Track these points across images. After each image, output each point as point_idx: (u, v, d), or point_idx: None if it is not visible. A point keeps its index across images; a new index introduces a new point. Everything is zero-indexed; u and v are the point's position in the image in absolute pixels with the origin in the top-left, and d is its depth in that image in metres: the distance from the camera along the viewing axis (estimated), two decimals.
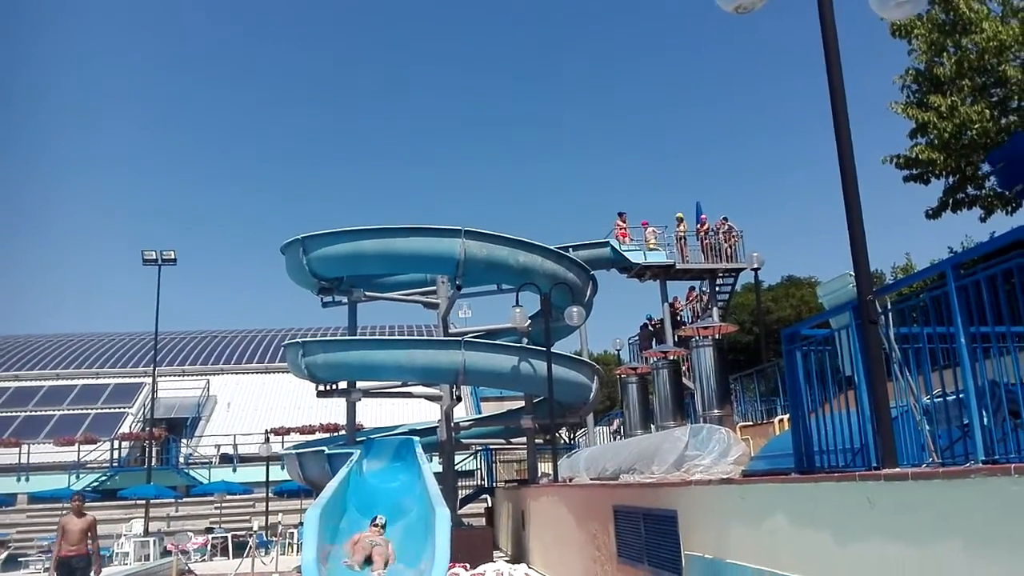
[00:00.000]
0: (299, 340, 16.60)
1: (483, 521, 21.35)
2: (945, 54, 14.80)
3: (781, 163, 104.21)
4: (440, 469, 17.06)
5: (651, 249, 23.06)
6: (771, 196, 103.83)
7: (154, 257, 27.65)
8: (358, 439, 17.70)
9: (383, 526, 10.69)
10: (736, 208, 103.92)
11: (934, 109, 14.65)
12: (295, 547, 20.57)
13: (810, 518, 4.99)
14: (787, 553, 5.24)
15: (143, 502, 25.45)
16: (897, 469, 4.47)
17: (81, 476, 29.22)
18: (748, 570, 5.76)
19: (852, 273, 5.10)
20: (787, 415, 12.03)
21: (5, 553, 21.83)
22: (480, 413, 30.90)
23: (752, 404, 17.53)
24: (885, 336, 5.00)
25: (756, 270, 19.13)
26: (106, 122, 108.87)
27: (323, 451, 16.47)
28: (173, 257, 27.85)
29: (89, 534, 10.89)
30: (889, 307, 5.10)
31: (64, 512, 12.06)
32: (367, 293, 17.98)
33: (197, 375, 39.91)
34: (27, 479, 28.82)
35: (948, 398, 4.83)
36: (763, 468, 7.46)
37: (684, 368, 20.25)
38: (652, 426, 18.04)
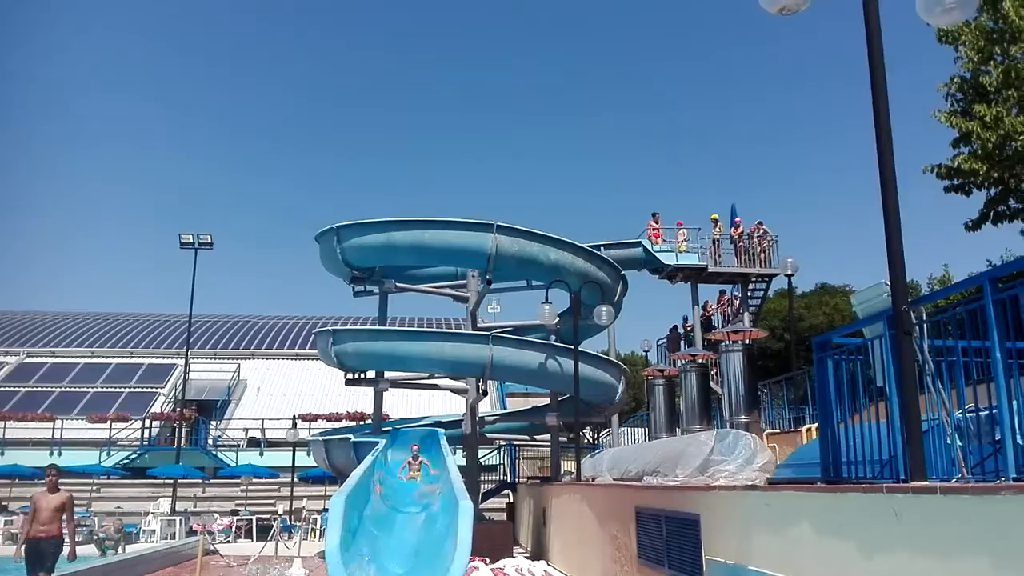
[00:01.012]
0: (330, 328, 16.76)
1: (504, 516, 21.40)
2: (992, 63, 14.51)
3: (820, 169, 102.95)
4: (464, 462, 17.13)
5: (683, 251, 22.93)
6: (808, 202, 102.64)
7: (191, 240, 28.05)
8: (384, 428, 17.84)
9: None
10: (772, 213, 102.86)
11: (979, 119, 14.37)
12: (318, 532, 20.79)
13: (835, 528, 4.94)
14: (810, 562, 5.19)
15: (171, 481, 25.86)
16: (926, 483, 4.42)
17: (112, 453, 29.79)
18: None
19: (887, 282, 5.04)
20: (815, 424, 11.91)
21: None
22: (505, 408, 30.97)
23: (780, 412, 17.35)
24: (919, 348, 4.93)
25: (790, 276, 18.93)
26: (150, 105, 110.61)
27: (349, 439, 16.62)
28: (209, 241, 28.24)
29: (64, 514, 9.68)
30: (924, 318, 5.04)
31: (41, 488, 10.41)
32: (398, 284, 18.09)
33: (228, 359, 40.44)
34: (59, 454, 29.42)
35: (980, 413, 4.75)
36: (789, 476, 7.40)
37: (712, 373, 20.11)
38: (678, 429, 17.93)
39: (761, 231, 22.91)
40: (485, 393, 18.08)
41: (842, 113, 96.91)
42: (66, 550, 9.73)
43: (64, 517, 9.63)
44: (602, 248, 19.67)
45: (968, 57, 14.88)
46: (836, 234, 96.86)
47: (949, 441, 4.90)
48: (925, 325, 5.02)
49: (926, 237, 73.48)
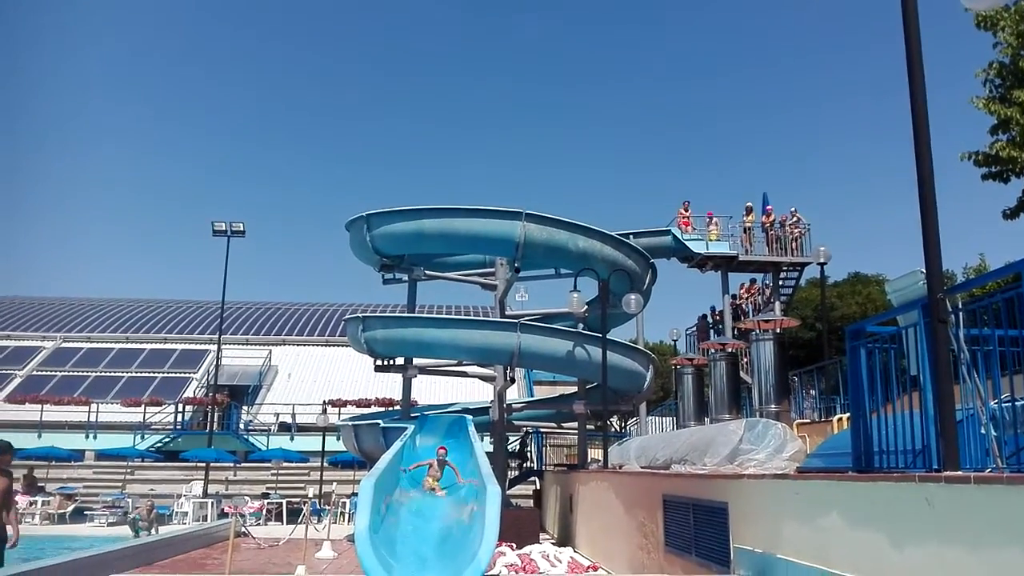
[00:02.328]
0: (360, 315, 16.88)
1: (531, 503, 21.48)
2: None
3: (855, 156, 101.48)
4: (491, 449, 17.20)
5: (714, 240, 22.76)
6: (842, 189, 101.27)
7: (224, 228, 28.36)
8: (412, 414, 17.96)
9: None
10: (805, 200, 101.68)
11: (1018, 104, 14.07)
12: (347, 516, 21.02)
13: (866, 518, 4.90)
14: (840, 551, 5.16)
15: (203, 465, 26.28)
16: (959, 472, 4.36)
17: (146, 437, 30.34)
18: (799, 566, 5.69)
19: (923, 270, 4.97)
20: (846, 414, 11.79)
21: (72, 506, 22.81)
22: (533, 396, 31.02)
23: (811, 402, 17.19)
24: (954, 336, 4.86)
25: (822, 265, 18.70)
26: (182, 92, 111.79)
27: (378, 424, 16.75)
28: (242, 229, 28.53)
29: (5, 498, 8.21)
30: (960, 307, 4.96)
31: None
32: (427, 272, 18.15)
33: (260, 345, 40.93)
34: (95, 436, 30.04)
35: (1017, 403, 4.68)
36: (819, 466, 7.34)
37: (743, 362, 19.98)
38: (706, 419, 17.86)
39: (795, 219, 22.67)
40: (513, 380, 18.13)
41: (878, 100, 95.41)
42: (9, 541, 8.30)
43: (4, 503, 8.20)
44: (631, 236, 19.58)
45: (1007, 42, 14.56)
46: (870, 222, 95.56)
47: (984, 431, 4.84)
48: (961, 313, 4.94)
49: (962, 226, 72.22)
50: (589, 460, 18.18)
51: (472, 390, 29.58)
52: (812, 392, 17.34)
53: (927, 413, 4.87)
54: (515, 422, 21.95)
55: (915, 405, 5.16)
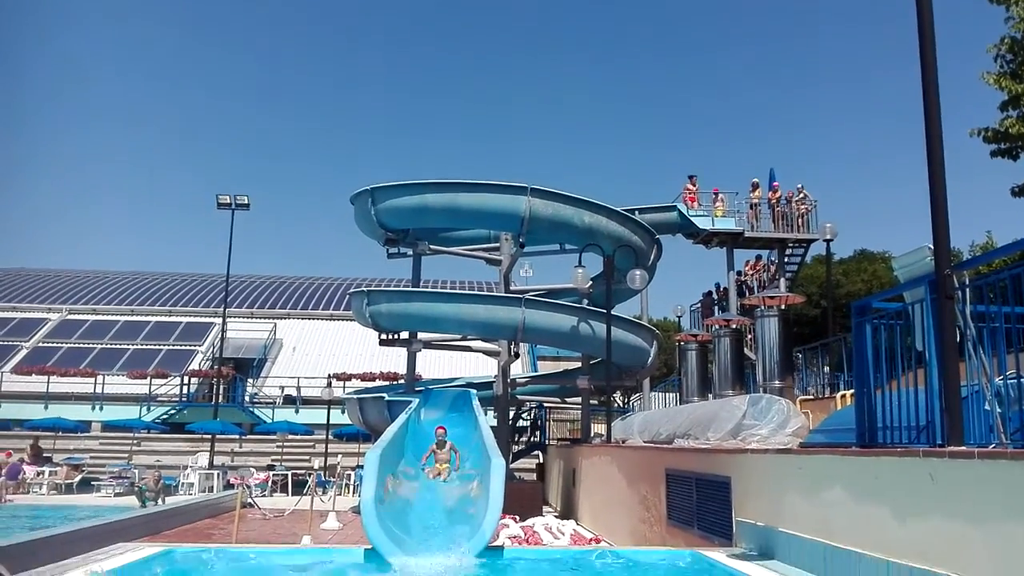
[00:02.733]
0: (364, 289, 16.91)
1: (534, 477, 21.62)
2: None
3: (863, 133, 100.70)
4: (495, 423, 17.29)
5: (720, 216, 22.68)
6: (849, 166, 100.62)
7: (228, 201, 28.31)
8: (417, 388, 18.04)
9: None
10: (811, 176, 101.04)
11: None
12: (352, 488, 21.18)
13: (869, 492, 4.93)
14: (842, 525, 5.19)
15: (209, 437, 26.45)
16: (963, 447, 4.37)
17: (152, 408, 30.52)
18: (801, 540, 5.73)
19: (931, 246, 4.94)
20: (849, 391, 11.81)
21: (79, 476, 22.99)
22: (536, 371, 31.11)
23: (815, 378, 17.21)
24: (961, 313, 4.85)
25: (828, 241, 18.62)
26: (187, 63, 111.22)
27: (383, 397, 16.85)
28: (246, 202, 28.47)
29: None
30: (967, 283, 4.94)
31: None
32: (431, 246, 18.15)
33: (265, 318, 41.00)
34: (101, 408, 30.22)
35: (1022, 380, 4.67)
36: (822, 441, 7.37)
37: (747, 339, 19.98)
38: (710, 395, 17.89)
39: (801, 195, 22.56)
40: (517, 355, 18.19)
41: (888, 75, 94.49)
42: None
43: None
44: (637, 212, 19.53)
45: (1020, 17, 14.38)
46: (877, 200, 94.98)
47: (988, 408, 4.84)
48: (967, 290, 4.92)
49: (970, 203, 71.77)
50: (592, 435, 18.27)
51: (476, 365, 29.69)
52: (816, 369, 17.35)
53: (932, 389, 4.87)
54: (519, 396, 22.05)
55: (920, 382, 5.16)
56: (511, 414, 23.06)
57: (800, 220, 22.37)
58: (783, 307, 15.36)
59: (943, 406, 4.65)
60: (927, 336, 4.91)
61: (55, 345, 36.42)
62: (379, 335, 17.08)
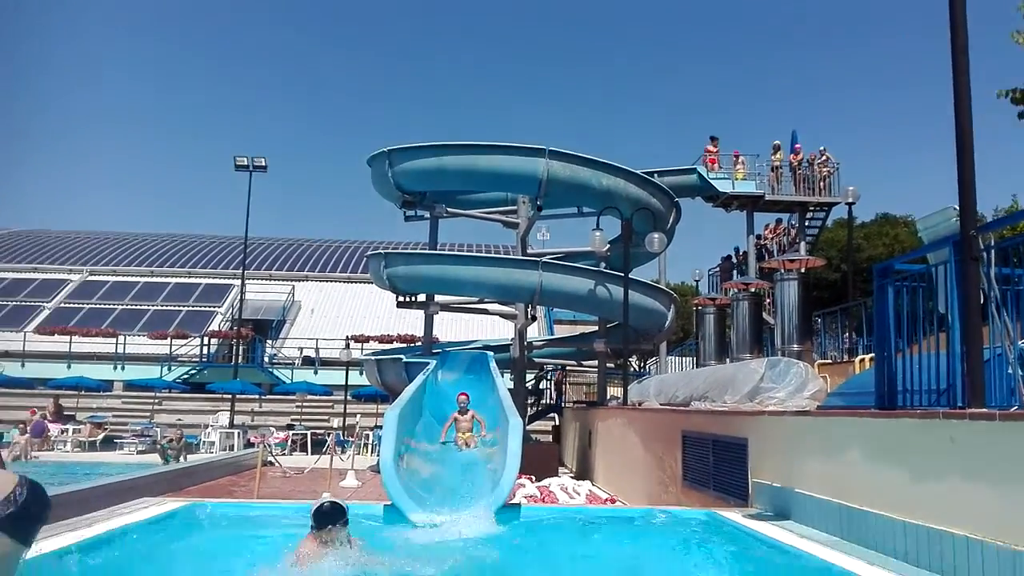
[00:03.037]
0: (382, 251, 16.93)
1: (550, 439, 21.77)
2: None
3: (888, 96, 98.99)
4: (511, 386, 17.37)
5: (740, 179, 22.45)
6: (871, 128, 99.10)
7: (245, 163, 28.32)
8: (434, 351, 18.13)
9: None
10: (834, 139, 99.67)
11: None
12: (370, 448, 21.43)
13: (887, 454, 4.92)
14: (860, 487, 5.19)
15: (229, 396, 26.79)
16: (984, 410, 4.34)
17: (172, 368, 30.92)
18: (817, 500, 5.74)
19: (956, 207, 4.87)
20: (868, 355, 11.76)
21: (102, 434, 23.40)
22: (553, 335, 31.16)
23: (834, 342, 17.14)
24: (985, 275, 4.79)
25: (850, 205, 18.38)
26: (205, 26, 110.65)
27: (401, 359, 16.95)
28: (264, 164, 28.47)
29: None
30: (992, 245, 4.87)
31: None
32: (449, 209, 18.10)
33: (283, 280, 41.23)
34: (123, 368, 30.64)
35: None
36: (839, 404, 7.35)
37: (766, 303, 19.90)
38: (727, 359, 17.89)
39: (823, 158, 22.24)
40: (534, 319, 18.18)
41: (912, 35, 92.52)
42: None
43: None
44: (656, 174, 19.36)
45: None
46: (901, 163, 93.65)
47: (1011, 371, 4.80)
48: (993, 251, 4.85)
49: (995, 167, 70.53)
50: (608, 398, 18.33)
51: (493, 328, 29.79)
52: (835, 333, 17.27)
53: (954, 351, 4.83)
54: (536, 359, 22.12)
55: (941, 347, 5.12)
56: (533, 377, 23.21)
57: (822, 183, 22.09)
58: (803, 270, 15.27)
59: (965, 368, 4.61)
60: (950, 298, 4.85)
61: (77, 306, 36.85)
62: (397, 297, 17.13)
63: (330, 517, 4.90)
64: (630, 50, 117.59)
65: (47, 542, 5.03)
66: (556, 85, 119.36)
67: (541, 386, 24.39)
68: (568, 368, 24.04)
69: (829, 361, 14.87)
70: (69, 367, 29.96)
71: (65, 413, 25.11)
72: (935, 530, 4.34)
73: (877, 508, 4.94)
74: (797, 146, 22.59)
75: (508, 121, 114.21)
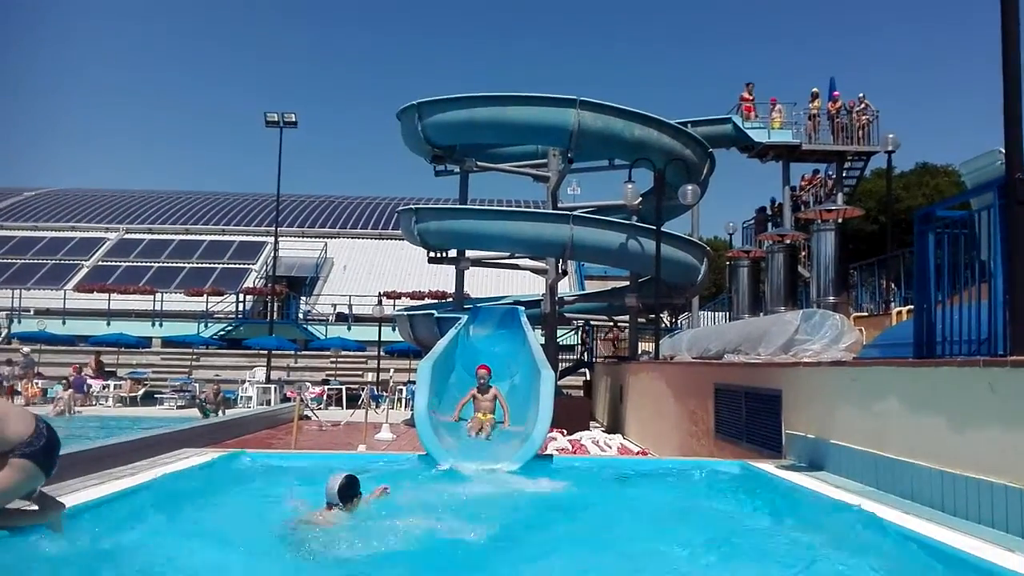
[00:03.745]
0: (413, 207, 16.92)
1: (581, 394, 21.86)
2: None
3: (932, 38, 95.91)
4: (543, 341, 17.40)
5: (776, 128, 22.00)
6: (916, 73, 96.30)
7: (276, 119, 28.36)
8: (465, 306, 18.19)
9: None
10: (876, 86, 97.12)
11: None
12: (404, 402, 21.70)
13: (925, 403, 4.85)
14: (897, 437, 5.14)
15: (265, 352, 27.21)
16: None
17: (209, 325, 31.43)
18: (852, 451, 5.70)
19: (1002, 150, 4.71)
20: (906, 307, 11.56)
21: (143, 390, 23.92)
22: (584, 290, 31.11)
23: (870, 295, 16.87)
24: None
25: (890, 153, 17.90)
26: None
27: (432, 314, 17.04)
28: (294, 120, 28.50)
29: None
30: None
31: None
32: (479, 163, 18.00)
33: (315, 237, 41.54)
34: (160, 324, 31.20)
35: None
36: (876, 356, 7.25)
37: (801, 255, 19.61)
38: (761, 313, 17.71)
39: (862, 105, 21.67)
40: (565, 273, 18.16)
41: None
42: None
43: None
44: (689, 125, 19.02)
45: None
46: (942, 109, 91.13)
47: None
48: None
49: None
50: (640, 352, 18.30)
51: (524, 283, 29.77)
52: (872, 286, 17.01)
53: (996, 298, 4.71)
54: (567, 315, 22.12)
55: (983, 297, 5.00)
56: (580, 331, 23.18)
57: (860, 131, 21.57)
58: (840, 221, 14.99)
59: (1007, 315, 4.50)
60: (993, 244, 4.72)
61: (114, 264, 37.49)
62: (428, 253, 17.17)
63: (351, 489, 4.99)
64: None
65: (91, 490, 5.18)
66: (587, 35, 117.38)
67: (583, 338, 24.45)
68: (599, 324, 24.01)
69: (865, 314, 14.66)
70: (108, 324, 30.57)
71: (106, 369, 25.68)
72: (973, 479, 4.29)
73: (914, 458, 4.89)
74: (835, 93, 22.04)
75: (539, 72, 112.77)
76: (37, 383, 23.47)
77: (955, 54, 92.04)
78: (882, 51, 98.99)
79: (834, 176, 22.21)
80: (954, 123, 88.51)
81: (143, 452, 8.16)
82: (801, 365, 6.96)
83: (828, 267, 14.25)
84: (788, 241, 16.69)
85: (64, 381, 22.19)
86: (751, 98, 22.17)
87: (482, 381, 9.28)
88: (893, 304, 14.38)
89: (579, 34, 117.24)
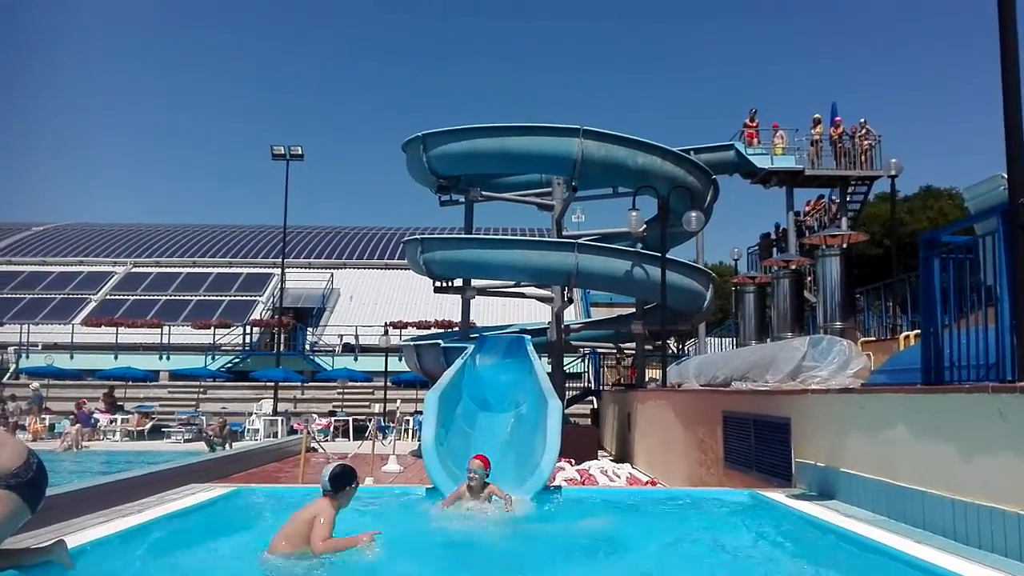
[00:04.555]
0: (418, 237, 16.98)
1: (589, 423, 21.75)
2: None
3: (933, 64, 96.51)
4: (549, 369, 17.36)
5: (779, 154, 22.08)
6: (914, 98, 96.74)
7: (282, 152, 28.57)
8: (471, 335, 18.18)
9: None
10: (875, 111, 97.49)
11: None
12: (411, 432, 21.60)
13: (934, 430, 4.81)
14: (906, 465, 5.10)
15: (272, 384, 27.17)
16: None
17: (216, 357, 31.43)
18: (862, 479, 5.65)
19: (1004, 175, 4.72)
20: (914, 332, 11.51)
21: (150, 424, 23.89)
22: (590, 317, 31.06)
23: (877, 319, 16.80)
24: None
25: (893, 177, 17.93)
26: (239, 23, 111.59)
27: (439, 344, 17.02)
28: (300, 153, 28.70)
29: None
30: None
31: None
32: (483, 192, 18.08)
33: (322, 268, 41.66)
34: (168, 358, 31.22)
35: None
36: (884, 382, 7.21)
37: (807, 281, 19.58)
38: (767, 338, 17.67)
39: (864, 130, 21.75)
40: (570, 301, 18.13)
41: (953, 5, 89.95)
42: None
43: None
44: (692, 152, 19.12)
45: None
46: (944, 133, 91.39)
47: None
48: None
49: None
50: (647, 380, 18.23)
51: (530, 312, 29.75)
52: (879, 310, 16.95)
53: (1003, 323, 4.70)
54: (573, 343, 22.06)
55: (989, 321, 4.98)
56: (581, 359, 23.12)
57: (863, 156, 21.62)
58: (845, 246, 14.98)
59: (1014, 341, 4.48)
60: (999, 268, 4.71)
61: (122, 297, 37.62)
62: (433, 283, 17.19)
63: (345, 479, 5.04)
64: (665, 24, 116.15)
65: (101, 527, 5.16)
66: (590, 65, 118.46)
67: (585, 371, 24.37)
68: (605, 351, 23.95)
69: (873, 339, 14.60)
70: (116, 358, 30.60)
71: (117, 403, 25.67)
72: (985, 507, 4.24)
73: (925, 486, 4.85)
74: (837, 119, 22.13)
75: (543, 102, 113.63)
76: (44, 419, 23.48)
77: (957, 79, 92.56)
78: (883, 75, 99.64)
79: (838, 201, 22.23)
80: (957, 145, 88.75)
81: (150, 488, 8.12)
82: (809, 392, 6.92)
83: (834, 292, 14.23)
84: (793, 266, 16.68)
85: (71, 416, 22.18)
86: (754, 124, 22.28)
87: (474, 478, 6.40)
88: (900, 328, 14.32)
89: (582, 63, 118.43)
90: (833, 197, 22.68)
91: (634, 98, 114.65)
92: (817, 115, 22.38)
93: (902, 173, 17.98)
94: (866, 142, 21.64)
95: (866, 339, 14.61)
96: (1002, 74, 4.71)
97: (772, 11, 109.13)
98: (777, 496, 6.38)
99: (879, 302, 17.00)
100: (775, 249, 22.76)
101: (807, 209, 23.37)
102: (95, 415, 23.37)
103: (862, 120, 22.02)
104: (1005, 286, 4.63)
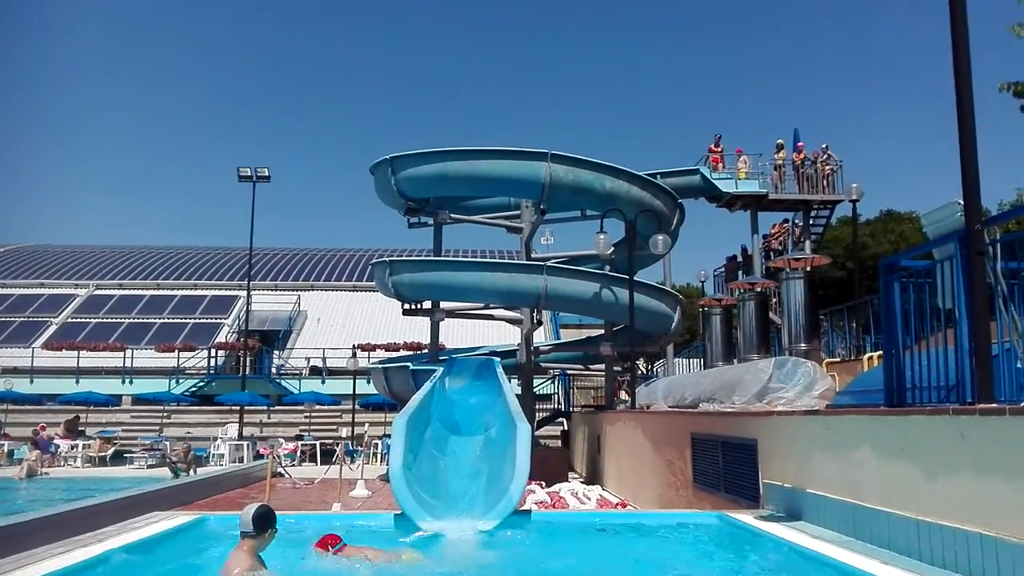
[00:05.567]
0: (387, 259, 16.94)
1: (559, 444, 21.74)
2: None
3: (887, 91, 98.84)
4: (519, 391, 17.34)
5: (743, 178, 22.43)
6: (874, 125, 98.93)
7: (249, 174, 28.39)
8: (440, 358, 18.12)
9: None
10: (836, 136, 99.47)
11: None
12: (380, 456, 21.41)
13: (898, 452, 4.89)
14: (871, 485, 5.16)
15: (237, 408, 26.79)
16: (994, 404, 4.32)
17: (180, 381, 30.94)
18: (829, 500, 5.71)
19: (960, 201, 4.85)
20: (877, 353, 11.71)
21: (112, 449, 23.41)
22: (559, 339, 31.13)
23: (841, 341, 17.07)
24: (991, 269, 4.77)
25: (855, 202, 18.32)
26: (209, 48, 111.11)
27: (408, 367, 16.95)
28: (267, 175, 28.54)
29: None
30: (998, 239, 4.85)
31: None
32: (452, 215, 18.12)
33: (289, 290, 41.28)
34: (131, 382, 30.64)
35: None
36: (849, 403, 7.31)
37: (772, 302, 19.84)
38: (734, 359, 17.84)
39: (826, 155, 22.22)
40: (539, 323, 18.19)
41: (912, 29, 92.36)
42: None
43: None
44: (659, 176, 19.35)
45: None
46: (903, 158, 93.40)
47: (1020, 365, 4.77)
48: (998, 246, 4.83)
49: (999, 160, 70.24)
50: (616, 401, 18.30)
51: (499, 334, 29.76)
52: (843, 331, 17.21)
53: (962, 346, 4.80)
54: (542, 364, 22.09)
55: (949, 342, 5.09)
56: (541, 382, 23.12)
57: (825, 181, 22.07)
58: (808, 269, 15.22)
59: (973, 363, 4.58)
60: (957, 293, 4.83)
61: (84, 320, 36.92)
62: (402, 305, 17.14)
63: (269, 519, 4.89)
64: (629, 49, 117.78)
65: (58, 559, 5.03)
66: (558, 88, 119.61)
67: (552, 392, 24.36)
68: (575, 372, 24.00)
69: (837, 360, 14.81)
70: (77, 382, 30.00)
71: (78, 428, 25.12)
72: (948, 527, 4.31)
73: (890, 507, 4.91)
74: (800, 144, 22.58)
75: (512, 126, 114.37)
76: (2, 444, 22.90)
77: (915, 106, 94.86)
78: (844, 104, 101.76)
79: (802, 224, 22.62)
80: (916, 171, 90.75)
81: (110, 516, 7.96)
82: (775, 414, 6.99)
83: (799, 314, 14.43)
84: (759, 289, 16.89)
85: (30, 442, 21.66)
86: (719, 150, 22.64)
87: (325, 549, 5.66)
88: (864, 349, 14.55)
89: (550, 87, 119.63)
90: (797, 221, 23.07)
91: (600, 123, 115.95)
92: (780, 140, 22.82)
93: (863, 197, 18.36)
94: (827, 167, 22.10)
95: (831, 360, 14.82)
96: (957, 103, 4.86)
97: (734, 34, 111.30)
98: (745, 517, 6.43)
99: (843, 323, 17.28)
100: (741, 272, 23.06)
101: (773, 231, 23.73)
102: (55, 440, 22.84)
103: (824, 145, 22.50)
104: (963, 309, 4.74)
